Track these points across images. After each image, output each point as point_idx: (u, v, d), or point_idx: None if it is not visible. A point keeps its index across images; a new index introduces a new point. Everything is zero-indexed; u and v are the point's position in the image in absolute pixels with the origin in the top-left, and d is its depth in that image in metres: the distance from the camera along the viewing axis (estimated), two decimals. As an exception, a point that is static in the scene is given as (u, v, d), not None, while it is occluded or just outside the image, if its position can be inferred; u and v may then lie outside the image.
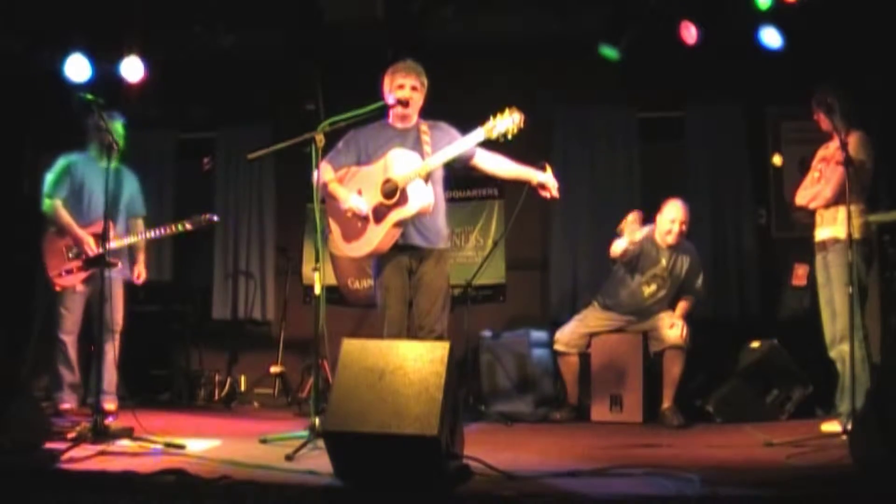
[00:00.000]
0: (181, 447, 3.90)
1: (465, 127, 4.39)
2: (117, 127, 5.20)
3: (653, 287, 5.54)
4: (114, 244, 5.17)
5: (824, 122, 4.67)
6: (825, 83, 4.71)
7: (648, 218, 5.69)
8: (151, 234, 5.40)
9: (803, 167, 5.30)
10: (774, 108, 6.69)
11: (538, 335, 6.02)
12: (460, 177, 4.96)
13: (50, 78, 6.20)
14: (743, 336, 5.73)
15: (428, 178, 4.31)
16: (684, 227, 5.46)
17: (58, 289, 5.31)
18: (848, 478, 3.27)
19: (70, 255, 5.31)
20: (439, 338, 4.32)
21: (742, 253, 6.60)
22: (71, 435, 3.94)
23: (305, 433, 3.86)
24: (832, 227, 4.68)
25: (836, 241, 4.63)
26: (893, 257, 5.23)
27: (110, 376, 5.25)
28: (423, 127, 4.47)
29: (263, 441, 4.17)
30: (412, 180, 4.26)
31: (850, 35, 5.84)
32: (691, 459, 3.79)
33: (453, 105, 4.97)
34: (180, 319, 6.70)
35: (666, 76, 6.49)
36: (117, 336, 5.35)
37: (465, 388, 5.89)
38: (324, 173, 4.37)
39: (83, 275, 5.32)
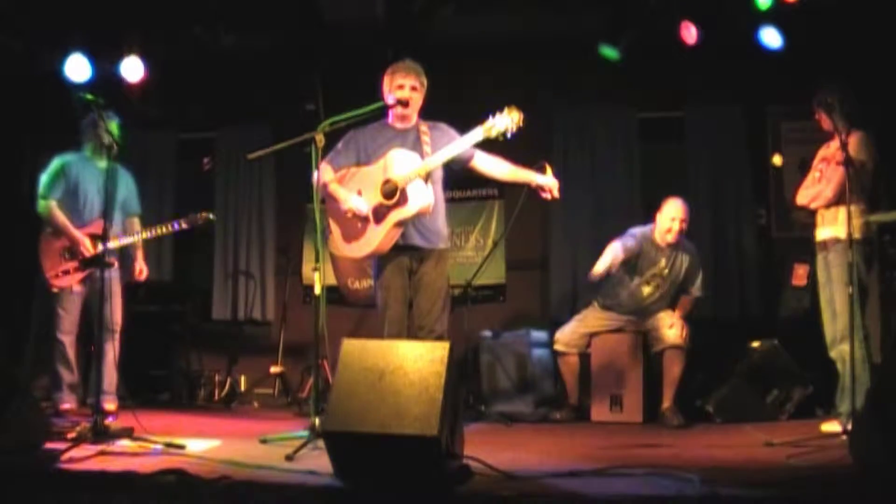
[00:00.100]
0: (181, 447, 3.90)
1: (464, 127, 4.39)
2: (113, 127, 5.20)
3: (652, 286, 5.54)
4: (111, 244, 5.17)
5: (825, 122, 4.67)
6: (826, 83, 4.71)
7: (648, 217, 5.70)
8: (148, 234, 5.39)
9: (803, 167, 5.30)
10: (774, 108, 6.69)
11: (538, 335, 6.02)
12: (460, 177, 4.95)
13: (50, 78, 6.20)
14: (743, 336, 5.72)
15: (428, 178, 4.31)
16: (684, 226, 5.45)
17: (55, 290, 5.31)
18: (848, 478, 3.27)
19: (66, 255, 5.31)
20: (439, 338, 4.32)
21: (742, 253, 6.60)
22: (71, 435, 3.94)
23: (305, 433, 3.86)
24: (833, 226, 4.68)
25: (836, 240, 4.63)
26: (893, 257, 5.23)
27: (110, 376, 5.24)
28: (423, 127, 4.47)
29: (263, 441, 4.17)
30: (412, 180, 4.25)
31: (850, 35, 5.84)
32: (691, 459, 3.79)
33: (453, 105, 4.97)
34: (180, 319, 6.69)
35: (666, 76, 6.49)
36: (117, 336, 5.35)
37: (465, 388, 5.88)
38: (324, 174, 4.37)
39: (80, 275, 5.32)
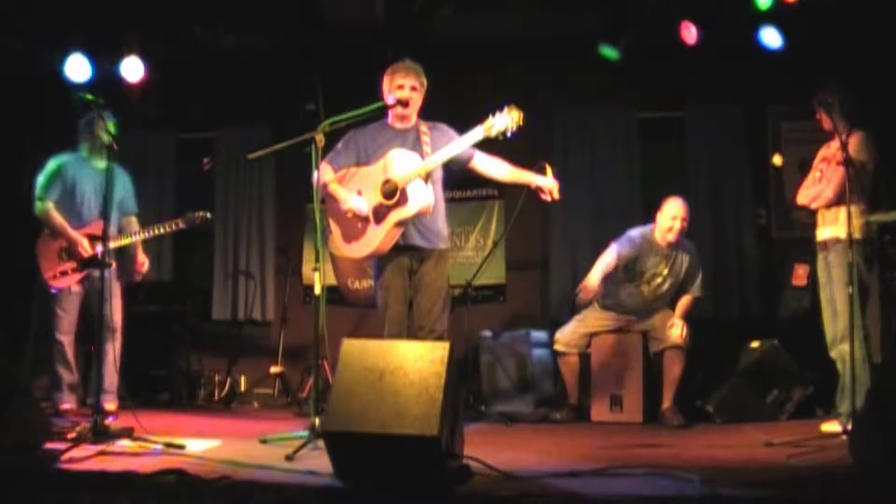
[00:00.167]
0: (181, 447, 3.90)
1: (464, 127, 4.39)
2: (109, 127, 5.19)
3: (652, 286, 5.54)
4: (111, 244, 5.16)
5: (826, 122, 4.67)
6: (826, 83, 4.71)
7: (648, 217, 5.70)
8: (145, 234, 5.38)
9: (803, 167, 5.31)
10: (774, 108, 6.69)
11: (538, 335, 6.02)
12: (460, 177, 4.96)
13: (50, 78, 6.20)
14: (743, 336, 5.72)
15: (428, 178, 4.31)
16: (685, 225, 5.45)
17: (53, 291, 5.31)
18: (848, 478, 3.27)
19: (64, 256, 5.30)
20: (439, 338, 4.32)
21: (742, 253, 6.60)
22: (71, 435, 3.94)
23: (305, 433, 3.86)
24: (834, 226, 4.68)
25: (837, 240, 4.63)
26: (894, 257, 5.23)
27: (111, 376, 5.24)
28: (423, 127, 4.47)
29: (263, 441, 4.17)
30: (412, 180, 4.26)
31: (850, 35, 5.84)
32: (691, 459, 3.79)
33: (453, 105, 4.97)
34: (180, 319, 6.69)
35: (666, 76, 6.49)
36: (118, 335, 5.35)
37: (465, 388, 5.88)
38: (323, 174, 4.37)
39: (79, 276, 5.32)
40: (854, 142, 4.57)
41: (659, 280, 5.53)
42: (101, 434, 3.91)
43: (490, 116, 4.24)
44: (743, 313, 6.48)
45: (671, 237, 5.45)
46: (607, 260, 5.48)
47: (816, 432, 4.27)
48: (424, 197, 4.27)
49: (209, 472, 3.21)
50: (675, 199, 5.46)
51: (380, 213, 4.31)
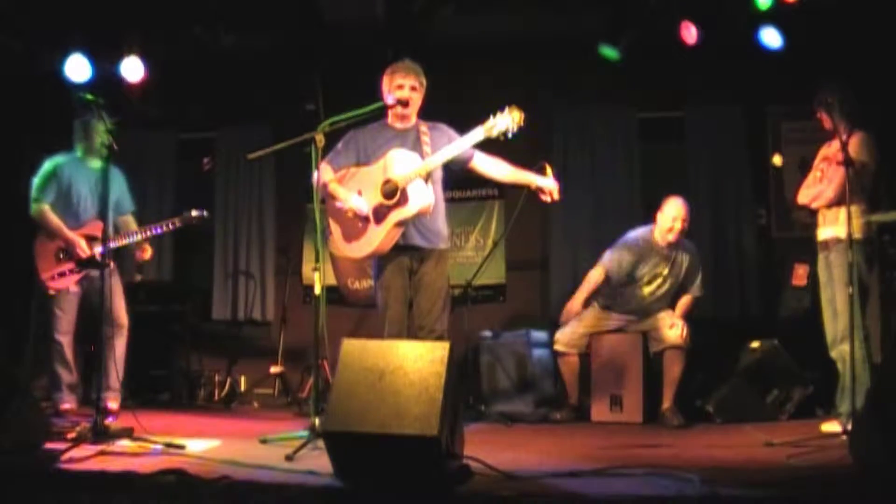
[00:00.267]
0: (181, 447, 3.90)
1: (464, 127, 4.39)
2: (106, 126, 5.19)
3: (652, 286, 5.54)
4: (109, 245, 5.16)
5: (827, 122, 4.67)
6: (826, 83, 4.71)
7: (648, 217, 5.70)
8: (140, 235, 5.37)
9: (803, 167, 5.31)
10: (774, 108, 6.70)
11: (538, 335, 6.02)
12: (460, 177, 4.96)
13: (50, 78, 6.20)
14: (743, 336, 5.72)
15: (428, 178, 4.31)
16: (685, 226, 5.45)
17: (52, 292, 5.30)
18: (848, 478, 3.27)
19: (62, 257, 5.30)
20: (439, 338, 4.32)
21: (742, 253, 6.60)
22: (71, 435, 3.94)
23: (305, 433, 3.86)
24: (834, 226, 4.68)
25: (838, 240, 4.63)
26: (894, 257, 5.23)
27: (115, 373, 5.25)
28: (423, 127, 4.47)
29: (263, 441, 4.17)
30: (412, 180, 4.26)
31: (850, 35, 5.84)
32: (691, 459, 3.79)
33: (453, 105, 4.98)
34: (180, 319, 6.69)
35: (666, 76, 6.49)
36: (124, 331, 5.35)
37: (465, 388, 5.88)
38: (323, 174, 4.37)
39: (77, 276, 5.32)
40: (855, 142, 4.57)
41: (659, 281, 5.53)
42: (101, 434, 3.91)
43: (491, 117, 4.24)
44: (743, 313, 6.49)
45: (671, 238, 5.45)
46: (593, 279, 5.62)
47: (816, 432, 4.27)
48: (425, 197, 4.27)
49: (209, 472, 3.21)
50: (676, 200, 5.46)
51: (380, 213, 4.31)
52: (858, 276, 4.45)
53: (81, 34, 6.15)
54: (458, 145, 4.31)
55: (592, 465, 3.50)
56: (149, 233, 5.38)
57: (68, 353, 5.36)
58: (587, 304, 5.72)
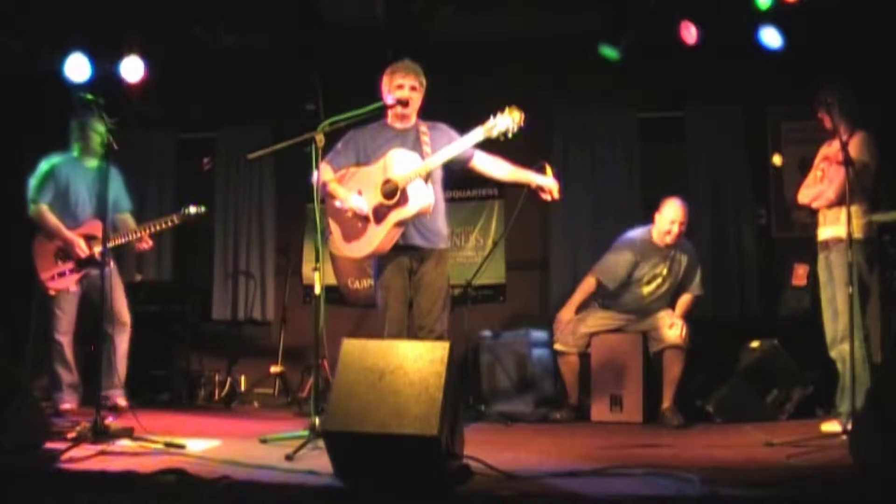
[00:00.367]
0: (181, 447, 3.90)
1: (464, 127, 4.39)
2: (100, 127, 5.20)
3: (652, 286, 5.54)
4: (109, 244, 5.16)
5: (827, 122, 4.66)
6: (826, 83, 4.71)
7: (648, 218, 5.70)
8: (138, 233, 5.37)
9: (803, 167, 5.31)
10: (774, 108, 6.69)
11: (538, 335, 6.02)
12: (460, 177, 4.96)
13: (50, 78, 6.20)
14: (743, 336, 5.72)
15: (428, 178, 4.31)
16: (683, 228, 5.46)
17: (52, 293, 5.30)
18: (848, 478, 3.27)
19: (60, 257, 5.30)
20: (439, 338, 4.32)
21: (742, 253, 6.60)
22: (71, 435, 3.94)
23: (305, 433, 3.86)
24: (835, 226, 4.67)
25: (839, 240, 4.62)
26: (894, 257, 5.23)
27: (121, 371, 5.26)
28: (423, 127, 4.47)
29: (263, 441, 4.17)
30: (412, 180, 4.26)
31: (850, 35, 5.84)
32: (691, 459, 3.79)
33: (453, 105, 4.97)
34: (180, 319, 6.68)
35: (666, 76, 6.49)
36: (127, 329, 5.35)
37: (465, 388, 5.88)
38: (323, 174, 4.37)
39: (76, 276, 5.32)
40: (856, 142, 4.57)
41: (658, 281, 5.53)
42: (101, 434, 3.91)
43: (491, 117, 4.24)
44: (743, 313, 6.48)
45: (669, 240, 5.45)
46: (584, 288, 5.68)
47: (816, 432, 4.27)
48: (424, 197, 4.28)
49: (209, 472, 3.21)
50: (674, 202, 5.45)
51: (380, 213, 4.31)
52: (859, 276, 4.45)
53: (81, 34, 6.15)
54: (458, 145, 4.32)
55: (592, 465, 3.50)
56: (147, 231, 5.38)
57: (68, 353, 5.36)
58: (580, 310, 5.72)
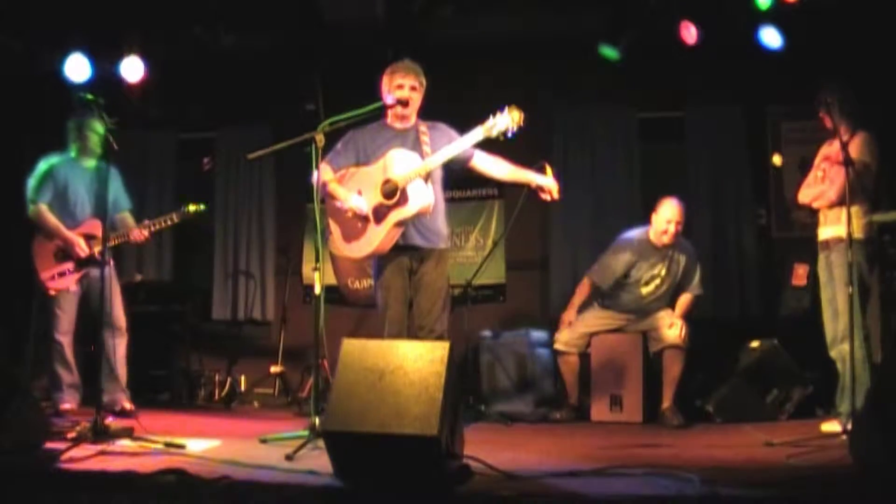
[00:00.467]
0: (181, 447, 3.90)
1: (464, 127, 4.39)
2: (98, 127, 5.19)
3: (650, 286, 5.54)
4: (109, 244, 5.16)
5: (828, 122, 4.66)
6: (827, 83, 4.70)
7: (644, 218, 5.70)
8: (138, 234, 5.36)
9: (803, 167, 5.31)
10: (774, 108, 6.70)
11: (538, 335, 6.03)
12: (460, 177, 4.97)
13: (50, 78, 6.20)
14: (743, 336, 5.73)
15: (428, 177, 4.31)
16: (680, 228, 5.46)
17: (52, 293, 5.30)
18: (848, 478, 3.27)
19: (60, 256, 5.30)
20: (440, 338, 4.32)
21: (742, 253, 6.60)
22: (71, 435, 3.94)
23: (305, 433, 3.86)
24: (836, 226, 4.67)
25: (839, 240, 4.61)
26: (894, 257, 5.23)
27: (123, 374, 5.27)
28: (422, 127, 4.47)
29: (263, 441, 4.17)
30: (412, 180, 4.26)
31: (850, 35, 5.84)
32: (691, 459, 3.79)
33: (453, 105, 4.97)
34: (180, 319, 6.68)
35: (666, 76, 6.49)
36: (124, 334, 5.35)
37: (465, 388, 5.88)
38: (323, 174, 4.37)
39: (77, 276, 5.32)
40: (857, 142, 4.57)
41: (657, 281, 5.53)
42: (101, 434, 3.91)
43: (491, 117, 4.24)
44: (743, 313, 6.48)
45: (666, 239, 5.45)
46: (582, 290, 5.73)
47: (816, 432, 4.28)
48: (424, 197, 4.27)
49: (209, 472, 3.21)
50: (671, 202, 5.46)
51: (380, 213, 4.31)
52: (859, 276, 4.45)
53: (81, 34, 6.15)
54: (458, 145, 4.31)
55: (592, 465, 3.50)
56: (147, 229, 5.38)
57: (68, 353, 5.36)
58: (581, 310, 5.73)
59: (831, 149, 4.78)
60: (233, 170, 7.32)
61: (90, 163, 5.44)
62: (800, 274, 5.91)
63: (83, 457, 3.55)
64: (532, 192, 4.54)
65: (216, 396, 6.56)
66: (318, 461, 3.39)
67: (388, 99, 4.39)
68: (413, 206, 4.26)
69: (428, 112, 4.54)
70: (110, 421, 4.15)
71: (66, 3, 5.98)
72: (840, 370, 4.64)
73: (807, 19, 5.66)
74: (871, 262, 4.67)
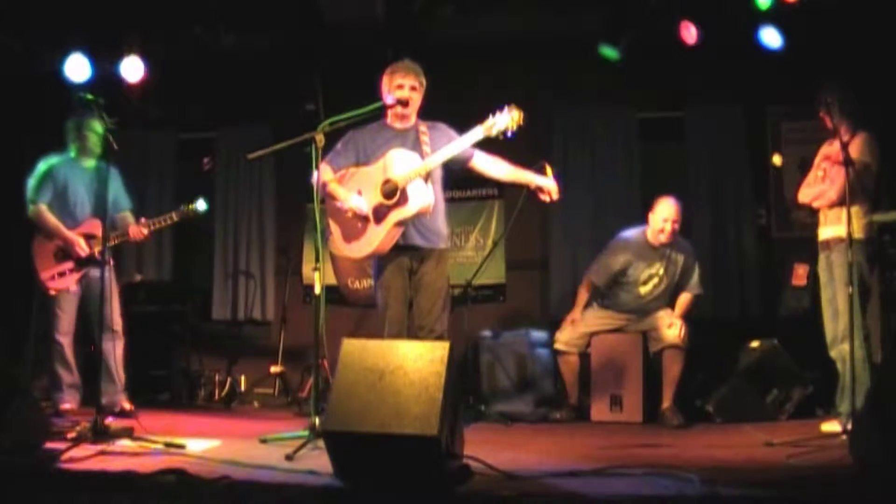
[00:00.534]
0: (181, 447, 3.90)
1: (464, 127, 4.38)
2: (97, 127, 5.19)
3: (649, 286, 5.54)
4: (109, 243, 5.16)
5: (828, 122, 4.66)
6: (827, 83, 4.70)
7: (642, 217, 5.70)
8: (136, 231, 5.36)
9: (803, 167, 5.31)
10: (774, 108, 6.70)
11: (538, 335, 6.03)
12: (460, 177, 4.97)
13: (50, 78, 6.20)
14: (743, 336, 5.73)
15: (428, 177, 4.31)
16: (677, 226, 5.46)
17: (53, 293, 5.30)
18: (848, 478, 3.27)
19: (60, 256, 5.30)
20: (439, 338, 4.32)
21: (742, 253, 6.60)
22: (71, 435, 3.94)
23: (305, 433, 3.86)
24: (836, 226, 4.67)
25: (840, 240, 4.61)
26: (894, 257, 5.23)
27: (120, 376, 5.26)
28: (422, 127, 4.47)
29: (263, 441, 4.17)
30: (412, 180, 4.26)
31: (850, 35, 5.84)
32: (691, 459, 3.79)
33: (453, 105, 4.97)
34: (180, 319, 6.68)
35: (666, 76, 6.49)
36: (120, 335, 5.35)
37: (465, 388, 5.88)
38: (323, 174, 4.37)
39: (77, 275, 5.32)
40: (858, 142, 4.57)
41: (655, 281, 5.53)
42: (101, 434, 3.91)
43: (490, 116, 4.24)
44: (743, 313, 6.48)
45: (663, 238, 5.46)
46: (583, 293, 5.74)
47: (816, 432, 4.28)
48: (424, 197, 4.27)
49: (209, 472, 3.21)
50: (667, 201, 5.46)
51: (380, 213, 4.31)
52: (860, 276, 4.46)
53: (81, 34, 6.15)
54: (458, 145, 4.31)
55: (592, 465, 3.50)
56: (147, 228, 5.38)
57: (68, 353, 5.36)
58: (585, 307, 5.74)
59: (831, 149, 4.78)
60: (233, 170, 7.32)
61: (90, 163, 5.44)
62: (800, 274, 5.91)
63: (83, 457, 3.55)
64: (532, 192, 4.53)
65: (216, 396, 6.56)
66: (318, 461, 3.39)
67: (388, 99, 4.38)
68: (413, 206, 4.26)
69: (428, 112, 4.54)
70: (110, 421, 4.15)
71: (66, 3, 5.98)
72: (840, 370, 4.64)
73: (807, 19, 5.66)
74: (871, 262, 4.67)
